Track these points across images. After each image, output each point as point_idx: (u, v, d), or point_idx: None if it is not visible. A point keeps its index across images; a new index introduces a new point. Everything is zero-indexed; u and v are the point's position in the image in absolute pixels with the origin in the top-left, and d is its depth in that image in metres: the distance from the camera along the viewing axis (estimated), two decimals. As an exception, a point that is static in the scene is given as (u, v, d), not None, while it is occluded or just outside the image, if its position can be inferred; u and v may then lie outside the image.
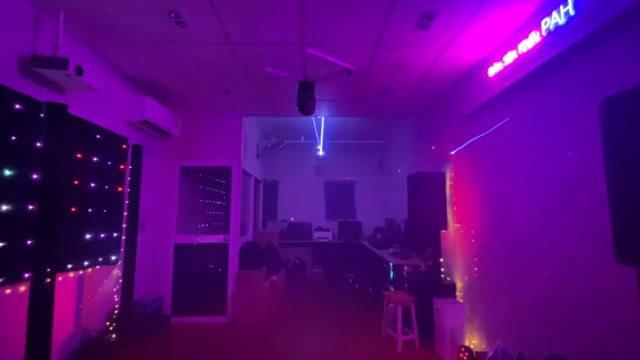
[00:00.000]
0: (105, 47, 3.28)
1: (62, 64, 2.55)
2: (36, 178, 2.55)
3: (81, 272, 3.29)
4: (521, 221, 2.89)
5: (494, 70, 3.21)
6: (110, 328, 3.62)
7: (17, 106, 2.43)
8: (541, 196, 2.64)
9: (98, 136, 3.35)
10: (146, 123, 4.06)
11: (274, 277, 5.62)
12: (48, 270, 2.54)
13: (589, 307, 2.17)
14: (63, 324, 3.16)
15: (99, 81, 2.91)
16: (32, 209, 2.52)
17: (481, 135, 3.60)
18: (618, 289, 1.95)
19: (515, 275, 2.97)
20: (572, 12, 2.28)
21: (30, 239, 2.51)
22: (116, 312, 3.74)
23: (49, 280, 2.54)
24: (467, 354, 3.06)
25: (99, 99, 3.41)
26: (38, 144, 2.58)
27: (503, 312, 3.16)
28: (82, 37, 3.09)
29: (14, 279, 2.43)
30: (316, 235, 7.83)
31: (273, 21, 2.85)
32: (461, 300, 3.90)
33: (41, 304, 2.50)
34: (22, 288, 2.51)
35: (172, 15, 2.74)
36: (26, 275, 2.49)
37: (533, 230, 2.74)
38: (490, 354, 2.79)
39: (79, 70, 2.66)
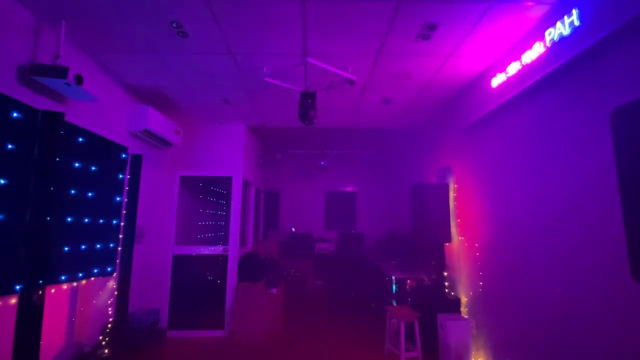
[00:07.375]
0: (107, 57, 3.28)
1: (61, 72, 2.53)
2: (31, 187, 2.51)
3: (75, 284, 3.21)
4: (527, 234, 2.81)
5: (497, 81, 3.18)
6: (104, 342, 3.51)
7: (15, 114, 2.41)
8: (548, 208, 2.57)
9: (97, 145, 3.31)
10: (147, 132, 4.03)
11: (274, 290, 5.49)
12: (40, 282, 2.47)
13: (601, 326, 2.07)
14: (55, 338, 3.06)
15: (99, 90, 2.90)
16: (26, 219, 2.47)
17: (485, 145, 3.54)
18: (635, 309, 1.85)
19: (522, 290, 2.86)
20: (577, 23, 2.24)
21: (24, 250, 2.44)
22: (110, 325, 3.64)
23: (40, 292, 2.46)
24: (472, 373, 2.91)
25: (100, 108, 3.40)
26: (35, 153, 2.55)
27: (511, 329, 3.04)
28: (83, 47, 3.09)
29: (4, 291, 2.36)
30: (317, 246, 7.73)
31: (274, 31, 2.84)
32: (466, 316, 3.77)
33: (30, 318, 2.42)
34: (13, 300, 2.43)
35: (174, 25, 2.73)
36: (17, 287, 2.42)
37: (540, 242, 2.65)
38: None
39: (79, 79, 2.64)
